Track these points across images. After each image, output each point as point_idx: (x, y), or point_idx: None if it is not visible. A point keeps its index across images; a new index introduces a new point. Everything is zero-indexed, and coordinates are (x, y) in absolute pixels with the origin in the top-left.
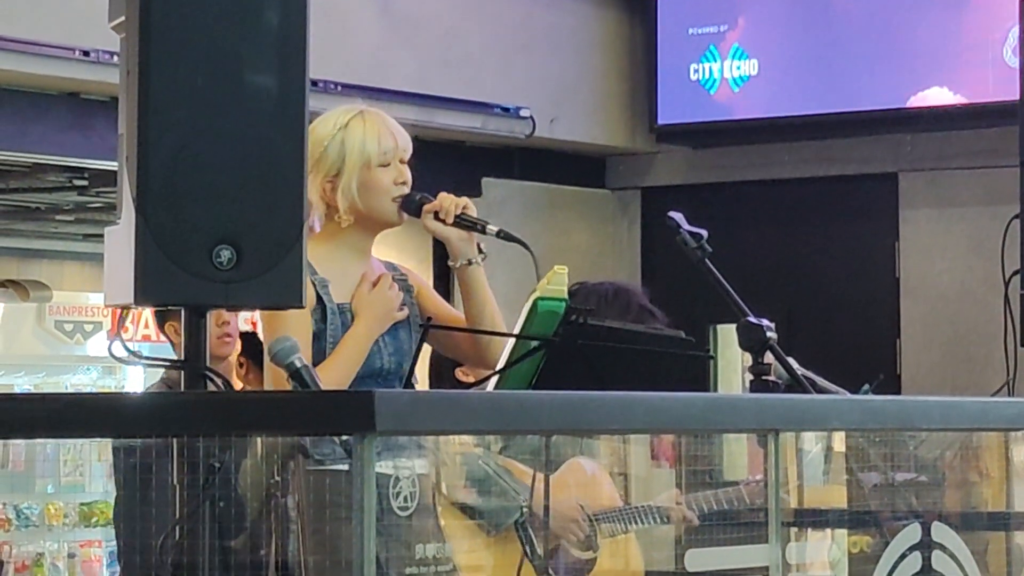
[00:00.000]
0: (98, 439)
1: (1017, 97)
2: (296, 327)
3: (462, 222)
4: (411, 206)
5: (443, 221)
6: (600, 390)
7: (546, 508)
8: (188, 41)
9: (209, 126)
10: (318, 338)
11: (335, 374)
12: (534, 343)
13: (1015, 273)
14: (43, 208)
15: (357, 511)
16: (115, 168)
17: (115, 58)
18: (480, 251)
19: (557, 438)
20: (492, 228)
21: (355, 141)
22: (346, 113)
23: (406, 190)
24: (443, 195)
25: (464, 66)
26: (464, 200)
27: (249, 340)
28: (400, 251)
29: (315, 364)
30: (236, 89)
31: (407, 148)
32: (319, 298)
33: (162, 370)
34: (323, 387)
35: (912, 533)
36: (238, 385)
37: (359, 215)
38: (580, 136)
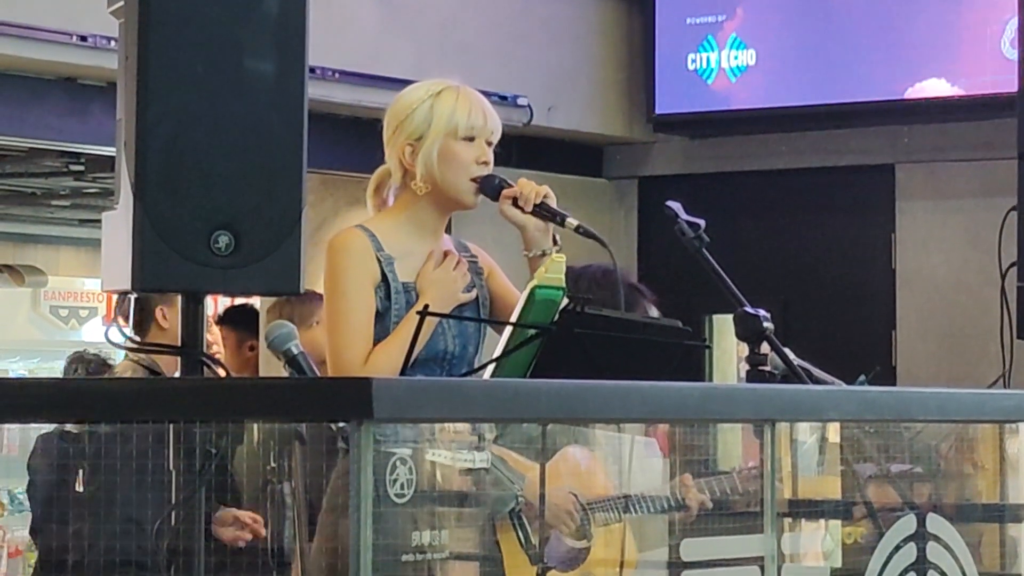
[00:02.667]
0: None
1: (1015, 89)
2: (359, 306)
3: (541, 211)
4: (489, 189)
5: (521, 208)
6: (596, 379)
7: (541, 496)
8: (187, 27)
9: (208, 112)
10: (383, 317)
11: (395, 354)
12: (531, 331)
13: (1012, 265)
14: (39, 193)
15: (354, 498)
16: (112, 154)
17: (112, 43)
18: (555, 242)
19: (552, 426)
20: (572, 221)
21: (444, 108)
22: (440, 83)
23: (487, 171)
24: (523, 181)
25: (462, 54)
26: (544, 189)
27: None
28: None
29: (377, 343)
30: (235, 75)
31: (495, 131)
32: (383, 276)
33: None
34: (383, 367)
35: (907, 524)
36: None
37: (435, 186)
38: (578, 125)
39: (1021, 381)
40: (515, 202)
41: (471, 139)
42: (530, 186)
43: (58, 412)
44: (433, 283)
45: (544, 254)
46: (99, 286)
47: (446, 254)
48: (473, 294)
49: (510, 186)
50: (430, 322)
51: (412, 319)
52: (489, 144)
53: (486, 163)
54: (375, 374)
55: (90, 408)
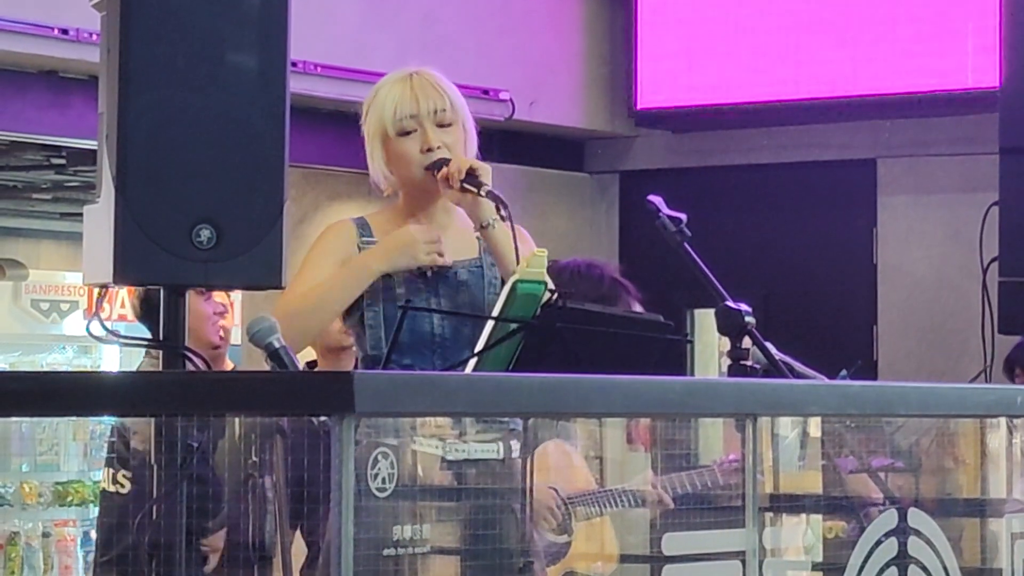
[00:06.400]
0: (74, 418)
1: (996, 84)
2: (312, 273)
3: (465, 186)
4: (434, 173)
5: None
6: (578, 373)
7: (523, 491)
8: (169, 21)
9: (189, 105)
10: (356, 302)
11: (313, 294)
12: (512, 325)
13: (993, 260)
14: (20, 187)
15: (336, 492)
16: (93, 147)
17: (94, 36)
18: (499, 210)
19: (533, 421)
20: (486, 188)
21: (375, 112)
22: (389, 77)
23: (436, 156)
24: (452, 158)
25: (443, 48)
26: (467, 163)
27: None
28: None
29: (357, 335)
30: (217, 69)
31: (440, 108)
32: None
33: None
34: (293, 304)
35: (888, 519)
36: None
37: (398, 184)
38: (559, 119)
39: (1002, 376)
40: (448, 183)
41: (409, 131)
42: (455, 163)
43: (39, 406)
44: (390, 238)
45: (487, 226)
46: (80, 279)
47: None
48: (439, 259)
49: (446, 167)
50: (366, 269)
51: (349, 265)
52: (442, 125)
53: (430, 149)
54: (281, 308)
55: (70, 402)
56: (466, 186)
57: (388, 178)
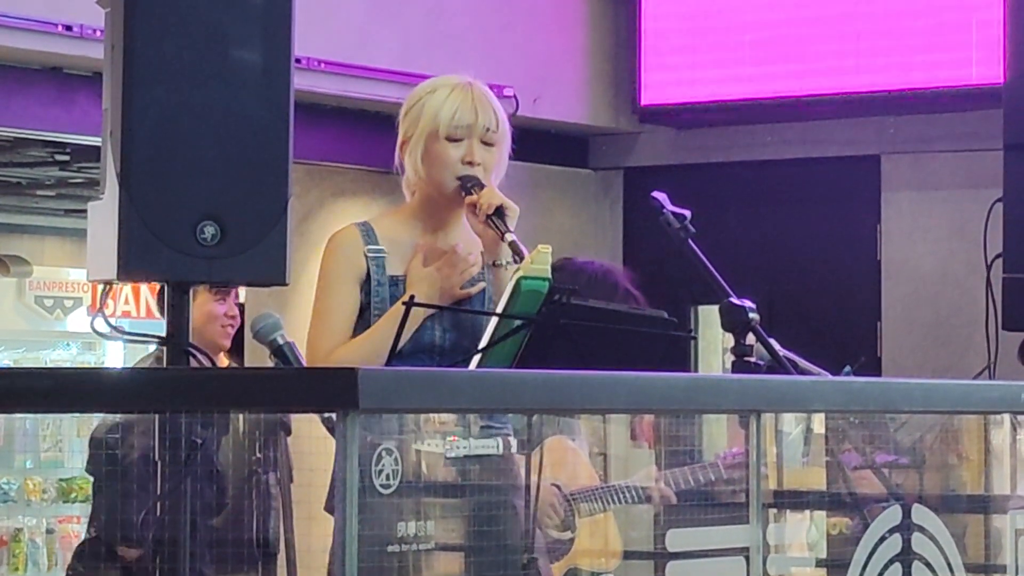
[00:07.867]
0: (78, 415)
1: (1001, 80)
2: (336, 303)
3: (489, 223)
4: (466, 191)
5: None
6: (582, 369)
7: (526, 487)
8: (173, 17)
9: (194, 102)
10: (364, 311)
11: (361, 350)
12: (517, 322)
13: (997, 257)
14: (24, 183)
15: (340, 488)
16: (97, 143)
17: (98, 33)
18: (517, 253)
19: (537, 417)
20: (509, 236)
21: (430, 108)
22: (446, 80)
23: (472, 171)
24: (486, 191)
25: (447, 44)
26: (498, 201)
27: None
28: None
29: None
30: (221, 65)
31: (491, 127)
32: (369, 271)
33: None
34: (347, 363)
35: (892, 515)
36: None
37: (424, 185)
38: (563, 115)
39: (1006, 372)
40: (475, 209)
41: (458, 139)
42: (487, 196)
43: (43, 402)
44: (421, 280)
45: (497, 264)
46: (84, 276)
47: (439, 250)
48: (477, 288)
49: (477, 191)
50: (415, 315)
51: (390, 316)
52: (488, 143)
53: (471, 163)
54: (325, 361)
55: (74, 399)
56: (491, 223)
57: (418, 172)
